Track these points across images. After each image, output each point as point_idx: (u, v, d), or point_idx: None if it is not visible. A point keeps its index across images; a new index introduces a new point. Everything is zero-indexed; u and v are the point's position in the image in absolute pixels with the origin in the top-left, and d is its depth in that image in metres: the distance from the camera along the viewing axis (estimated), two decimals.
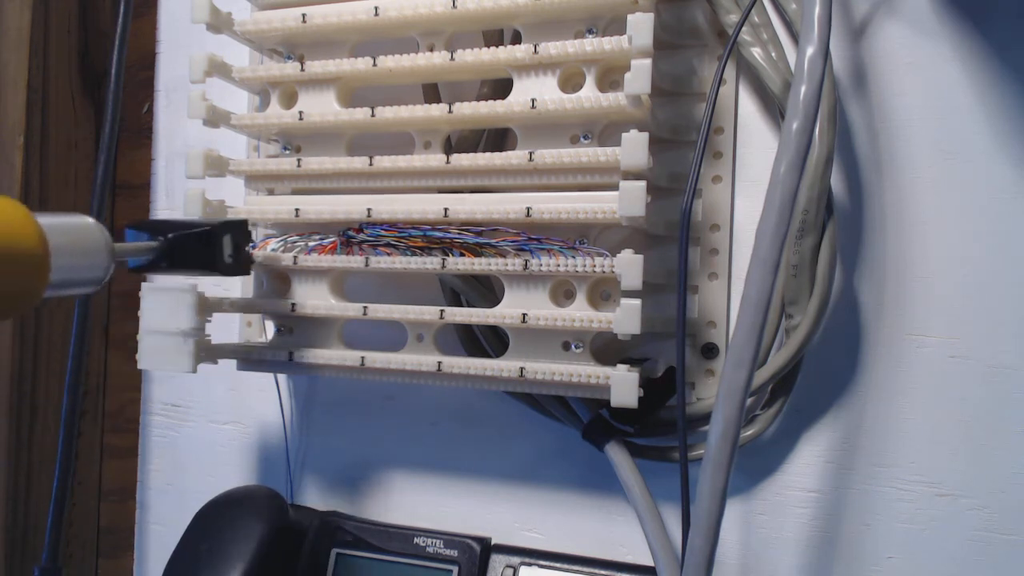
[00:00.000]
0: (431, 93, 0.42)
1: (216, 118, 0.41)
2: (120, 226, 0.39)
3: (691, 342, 0.39)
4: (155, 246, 0.34)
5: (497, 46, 0.37)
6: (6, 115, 0.50)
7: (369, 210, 0.39)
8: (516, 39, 0.39)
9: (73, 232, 0.29)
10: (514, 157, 0.36)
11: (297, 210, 0.40)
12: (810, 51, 0.30)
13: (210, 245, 0.35)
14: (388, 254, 0.39)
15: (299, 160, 0.40)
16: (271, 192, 0.43)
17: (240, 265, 0.38)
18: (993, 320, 0.36)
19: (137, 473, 0.54)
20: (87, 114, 0.54)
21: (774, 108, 0.39)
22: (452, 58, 0.37)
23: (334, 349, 0.40)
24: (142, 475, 0.53)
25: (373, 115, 0.39)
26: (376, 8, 0.38)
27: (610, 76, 0.36)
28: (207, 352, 0.39)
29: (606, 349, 0.40)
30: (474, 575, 0.40)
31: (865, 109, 0.38)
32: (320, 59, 0.40)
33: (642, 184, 0.33)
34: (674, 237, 0.38)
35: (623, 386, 0.34)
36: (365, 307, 0.39)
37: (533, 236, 0.36)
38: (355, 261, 0.39)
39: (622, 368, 0.34)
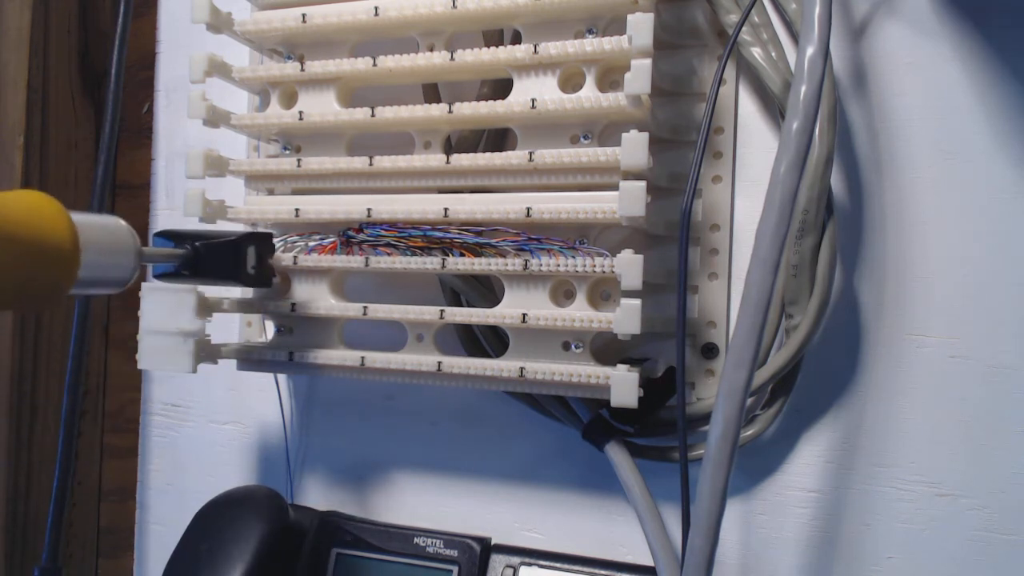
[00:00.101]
0: (431, 93, 0.42)
1: (216, 118, 0.41)
2: None
3: (691, 342, 0.39)
4: (181, 253, 0.35)
5: (497, 46, 0.37)
6: (6, 115, 0.50)
7: (369, 210, 0.39)
8: (516, 39, 0.39)
9: (104, 231, 0.29)
10: (514, 157, 0.36)
11: (297, 210, 0.40)
12: (810, 51, 0.30)
13: (235, 256, 0.36)
14: (388, 254, 0.39)
15: (299, 160, 0.40)
16: (271, 192, 0.43)
17: (262, 277, 0.38)
18: (993, 320, 0.36)
19: (137, 473, 0.54)
20: (87, 114, 0.54)
21: (774, 108, 0.39)
22: (452, 58, 0.37)
23: (334, 349, 0.40)
24: (142, 475, 0.53)
25: (373, 115, 0.39)
26: (376, 8, 0.38)
27: (610, 76, 0.36)
28: (207, 352, 0.39)
29: (606, 349, 0.40)
30: (474, 575, 0.40)
31: (865, 109, 0.38)
32: (320, 59, 0.40)
33: (642, 184, 0.33)
34: (674, 237, 0.38)
35: (623, 386, 0.34)
36: (365, 307, 0.39)
37: (533, 236, 0.36)
38: (355, 261, 0.39)
39: (622, 368, 0.34)
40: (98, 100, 0.54)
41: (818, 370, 0.38)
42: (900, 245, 0.37)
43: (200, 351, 0.39)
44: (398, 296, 0.44)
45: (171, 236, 0.36)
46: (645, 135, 0.33)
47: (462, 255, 0.37)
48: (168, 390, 0.53)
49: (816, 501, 0.39)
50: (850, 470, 0.38)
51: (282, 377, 0.49)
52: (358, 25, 0.39)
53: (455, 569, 0.40)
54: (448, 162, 0.37)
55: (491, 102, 0.37)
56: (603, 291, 0.37)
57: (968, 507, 0.36)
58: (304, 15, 0.39)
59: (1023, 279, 0.36)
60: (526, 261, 0.36)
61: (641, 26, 0.33)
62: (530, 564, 0.40)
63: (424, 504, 0.46)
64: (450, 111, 0.37)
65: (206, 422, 0.51)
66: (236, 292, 0.47)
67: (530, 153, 0.36)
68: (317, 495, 0.48)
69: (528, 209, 0.36)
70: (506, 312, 0.36)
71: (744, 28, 0.37)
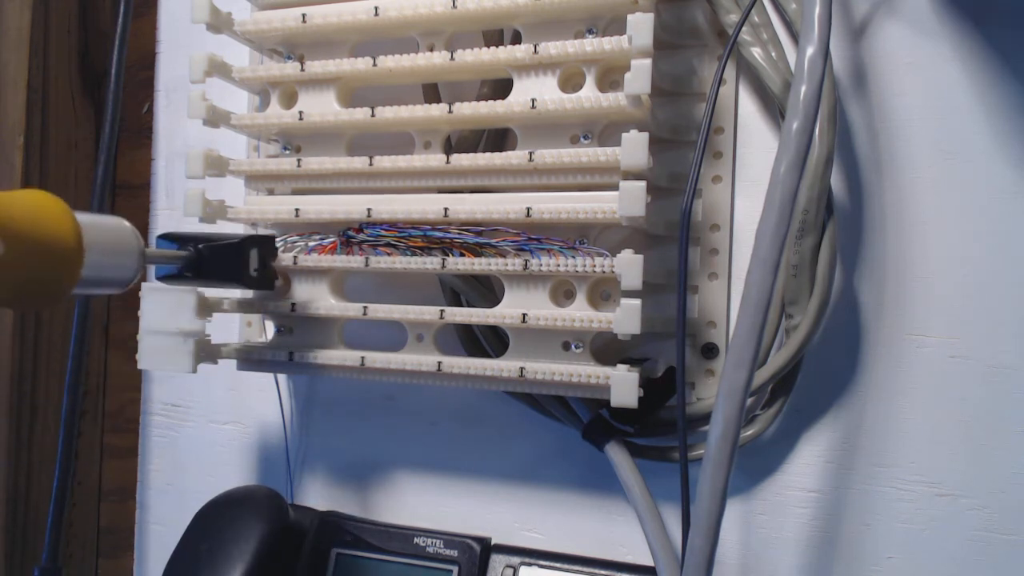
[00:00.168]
0: (431, 93, 0.42)
1: (216, 118, 0.41)
2: None
3: (691, 342, 0.39)
4: (184, 255, 0.35)
5: (497, 46, 0.37)
6: (6, 115, 0.50)
7: (369, 210, 0.39)
8: (516, 39, 0.39)
9: (108, 232, 0.30)
10: (514, 157, 0.36)
11: (297, 210, 0.40)
12: (810, 51, 0.30)
13: (237, 258, 0.36)
14: (388, 254, 0.39)
15: (299, 160, 0.40)
16: (271, 192, 0.43)
17: (265, 280, 0.39)
18: (993, 320, 0.36)
19: (137, 473, 0.54)
20: (87, 114, 0.54)
21: (774, 108, 0.39)
22: (452, 58, 0.37)
23: (334, 349, 0.40)
24: (142, 475, 0.53)
25: (373, 115, 0.39)
26: (376, 8, 0.38)
27: (610, 76, 0.36)
28: (207, 352, 0.39)
29: (606, 349, 0.40)
30: (474, 575, 0.40)
31: (865, 109, 0.38)
32: (320, 59, 0.40)
33: (642, 184, 0.33)
34: (674, 237, 0.38)
35: (623, 386, 0.34)
36: (365, 307, 0.39)
37: (533, 236, 0.36)
38: (355, 261, 0.39)
39: (622, 368, 0.34)
40: (98, 100, 0.54)
41: (818, 370, 0.38)
42: (900, 245, 0.37)
43: (200, 351, 0.39)
44: (398, 296, 0.44)
45: (174, 238, 0.36)
46: (645, 135, 0.33)
47: (462, 255, 0.37)
48: (168, 390, 0.53)
49: (816, 501, 0.39)
50: (850, 470, 0.38)
51: (282, 377, 0.49)
52: (358, 25, 0.39)
53: (455, 569, 0.40)
54: (448, 162, 0.37)
55: (491, 102, 0.37)
56: (603, 291, 0.37)
57: (968, 507, 0.36)
58: (304, 15, 0.39)
59: (1023, 279, 0.36)
60: (526, 261, 0.36)
61: (641, 26, 0.33)
62: (530, 564, 0.40)
63: (424, 504, 0.46)
64: (450, 111, 0.37)
65: (206, 422, 0.51)
66: (236, 292, 0.47)
67: (530, 153, 0.36)
68: (317, 495, 0.48)
69: (528, 209, 0.36)
70: (506, 312, 0.36)
71: (744, 28, 0.37)
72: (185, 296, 0.38)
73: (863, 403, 0.38)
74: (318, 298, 0.40)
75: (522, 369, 0.36)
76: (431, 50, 0.39)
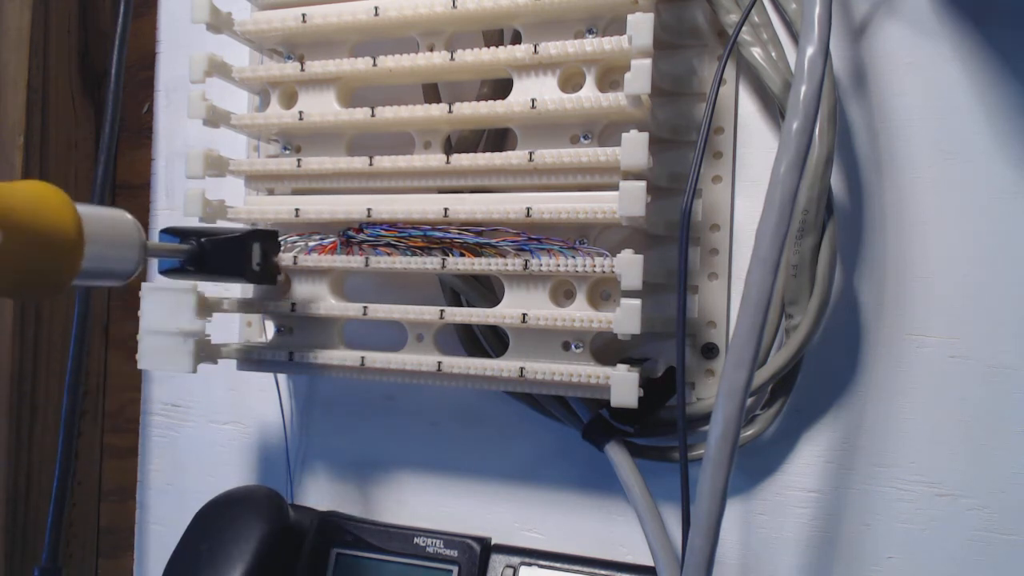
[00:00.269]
0: (431, 93, 0.42)
1: (216, 118, 0.41)
2: None
3: (691, 342, 0.39)
4: (186, 248, 0.35)
5: (497, 46, 0.37)
6: (6, 115, 0.50)
7: (369, 210, 0.39)
8: (516, 39, 0.39)
9: (109, 223, 0.30)
10: (514, 157, 0.36)
11: (297, 210, 0.40)
12: (810, 51, 0.30)
13: (240, 252, 0.36)
14: (388, 254, 0.39)
15: (299, 160, 0.40)
16: (271, 192, 0.43)
17: (267, 274, 0.38)
18: (993, 320, 0.36)
19: (137, 473, 0.54)
20: (87, 114, 0.54)
21: (774, 108, 0.39)
22: (452, 58, 0.37)
23: (334, 349, 0.40)
24: (142, 475, 0.53)
25: (373, 115, 0.39)
26: (376, 8, 0.38)
27: (610, 76, 0.36)
28: (207, 352, 0.39)
29: (606, 349, 0.40)
30: (474, 575, 0.40)
31: (865, 109, 0.38)
32: (320, 59, 0.40)
33: (642, 184, 0.33)
34: (674, 237, 0.38)
35: (623, 386, 0.34)
36: (365, 307, 0.39)
37: (533, 236, 0.36)
38: (355, 261, 0.39)
39: (622, 368, 0.34)
40: (98, 100, 0.54)
41: (818, 370, 0.38)
42: (900, 245, 0.37)
43: (200, 351, 0.39)
44: (398, 296, 0.44)
45: (176, 233, 0.36)
46: (645, 135, 0.33)
47: (462, 255, 0.37)
48: (168, 390, 0.53)
49: (816, 501, 0.39)
50: (850, 470, 0.38)
51: (282, 377, 0.49)
52: (358, 25, 0.39)
53: (455, 569, 0.40)
54: (448, 162, 0.37)
55: (491, 102, 0.37)
56: (603, 291, 0.37)
57: (968, 507, 0.36)
58: (304, 15, 0.39)
59: (1023, 279, 0.36)
60: (526, 261, 0.36)
61: (641, 26, 0.33)
62: (530, 564, 0.40)
63: (424, 504, 0.46)
64: (450, 111, 0.37)
65: (206, 422, 0.51)
66: (236, 292, 0.47)
67: (530, 153, 0.36)
68: (317, 495, 0.48)
69: (528, 209, 0.36)
70: (506, 312, 0.36)
71: (744, 28, 0.37)
72: (185, 296, 0.38)
73: (863, 403, 0.38)
74: (318, 298, 0.40)
75: (522, 369, 0.36)
76: (431, 50, 0.39)
